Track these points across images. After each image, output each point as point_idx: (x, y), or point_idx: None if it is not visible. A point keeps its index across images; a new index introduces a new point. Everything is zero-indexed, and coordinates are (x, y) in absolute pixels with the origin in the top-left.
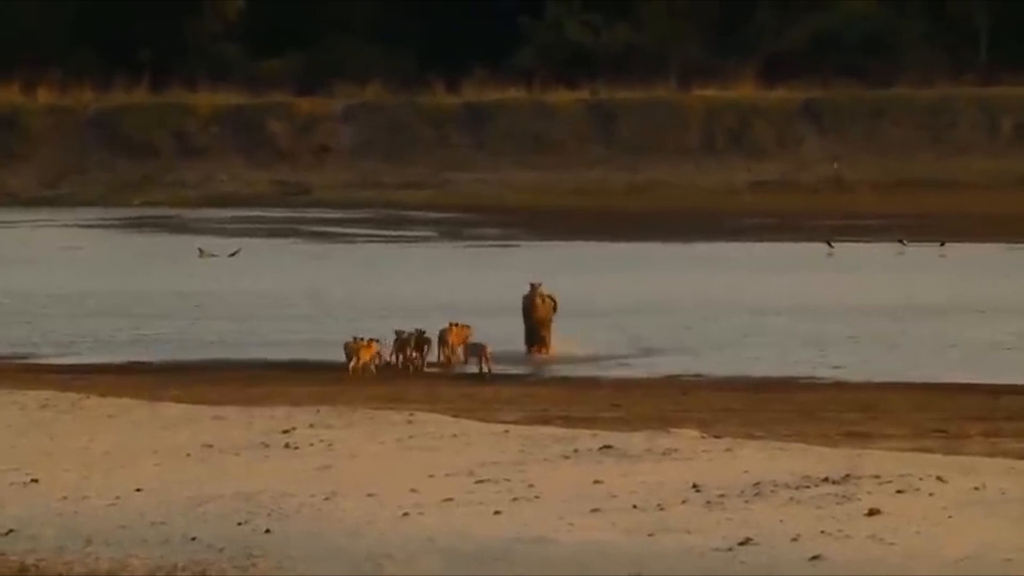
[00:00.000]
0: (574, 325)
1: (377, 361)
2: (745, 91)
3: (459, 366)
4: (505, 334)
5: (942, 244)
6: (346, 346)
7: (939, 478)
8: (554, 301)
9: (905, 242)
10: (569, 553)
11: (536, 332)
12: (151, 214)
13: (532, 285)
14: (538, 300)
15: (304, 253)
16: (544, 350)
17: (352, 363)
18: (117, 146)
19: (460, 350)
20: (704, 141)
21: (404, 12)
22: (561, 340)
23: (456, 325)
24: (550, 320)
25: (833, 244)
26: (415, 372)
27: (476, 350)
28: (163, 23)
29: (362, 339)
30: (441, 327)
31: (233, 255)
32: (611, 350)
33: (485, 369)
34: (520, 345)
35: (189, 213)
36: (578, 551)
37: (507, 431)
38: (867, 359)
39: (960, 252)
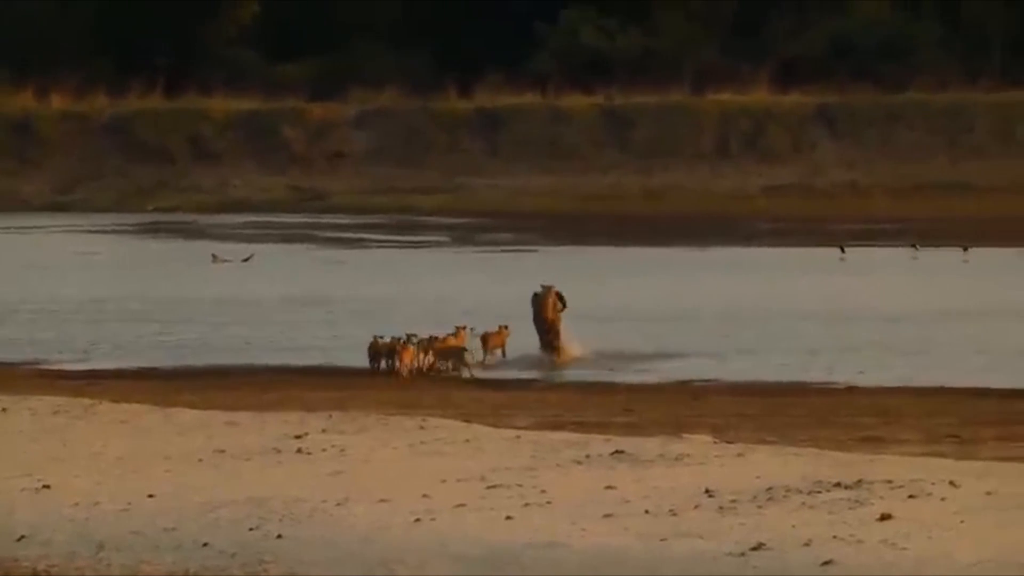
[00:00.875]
0: (588, 329)
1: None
2: (760, 96)
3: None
4: (519, 338)
5: (965, 249)
6: (372, 346)
7: (952, 483)
8: (562, 301)
9: (918, 247)
10: (581, 558)
11: (545, 336)
12: (165, 220)
13: (544, 287)
14: (550, 302)
15: (318, 259)
16: (556, 355)
17: (398, 365)
18: (131, 152)
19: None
20: (719, 146)
21: (418, 17)
22: (574, 344)
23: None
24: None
25: (845, 249)
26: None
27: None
28: (178, 28)
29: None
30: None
31: (247, 260)
32: (624, 355)
33: (467, 373)
34: (533, 350)
35: (203, 219)
36: (590, 556)
37: (519, 436)
38: (880, 364)
39: (975, 256)
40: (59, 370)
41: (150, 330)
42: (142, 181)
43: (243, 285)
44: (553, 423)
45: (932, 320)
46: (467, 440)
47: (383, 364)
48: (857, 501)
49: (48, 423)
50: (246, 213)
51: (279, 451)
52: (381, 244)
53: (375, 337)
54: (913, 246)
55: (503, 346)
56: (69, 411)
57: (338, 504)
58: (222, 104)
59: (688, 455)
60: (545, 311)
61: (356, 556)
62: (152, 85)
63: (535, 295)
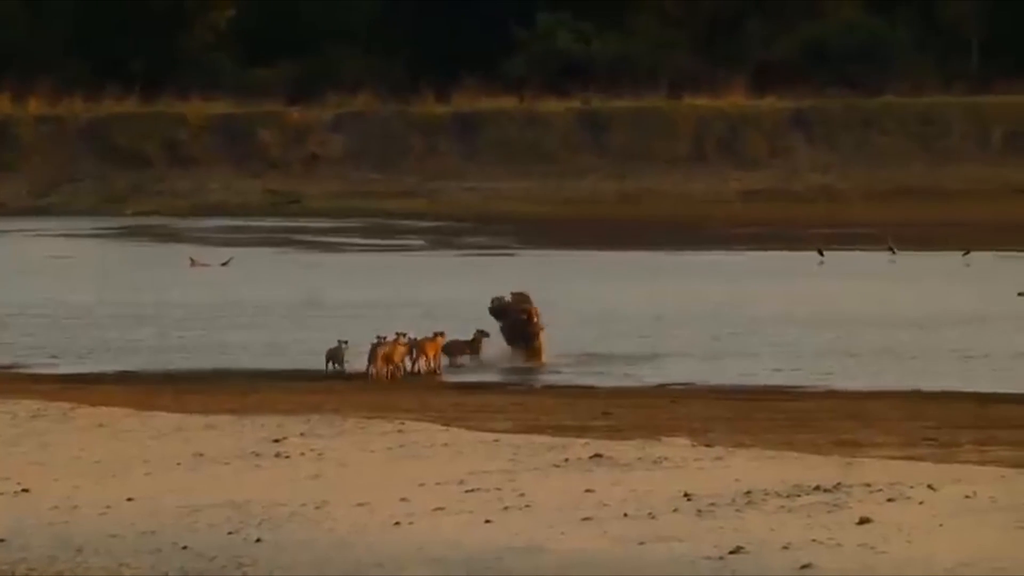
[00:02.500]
0: (565, 333)
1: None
2: (736, 100)
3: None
4: (496, 341)
5: (966, 253)
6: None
7: (930, 486)
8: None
9: (895, 250)
10: (560, 561)
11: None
12: (142, 223)
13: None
14: (533, 309)
15: (295, 262)
16: (537, 359)
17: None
18: (108, 156)
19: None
20: (695, 150)
21: (394, 21)
22: (552, 349)
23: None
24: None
25: (824, 253)
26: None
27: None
28: (154, 33)
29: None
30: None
31: (225, 264)
32: (602, 359)
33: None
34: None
35: (180, 222)
36: (569, 560)
37: (498, 440)
38: (858, 368)
39: (950, 260)
40: (37, 374)
41: (128, 334)
42: (119, 185)
43: (221, 289)
44: (532, 427)
45: (910, 323)
46: (445, 444)
47: (330, 367)
48: (835, 505)
49: (26, 427)
50: (223, 217)
51: (258, 455)
52: (358, 248)
53: (339, 341)
54: (890, 250)
55: (437, 354)
56: (47, 415)
57: (317, 508)
58: (199, 108)
59: (666, 459)
60: (532, 317)
61: (335, 560)
62: (129, 90)
63: (499, 303)
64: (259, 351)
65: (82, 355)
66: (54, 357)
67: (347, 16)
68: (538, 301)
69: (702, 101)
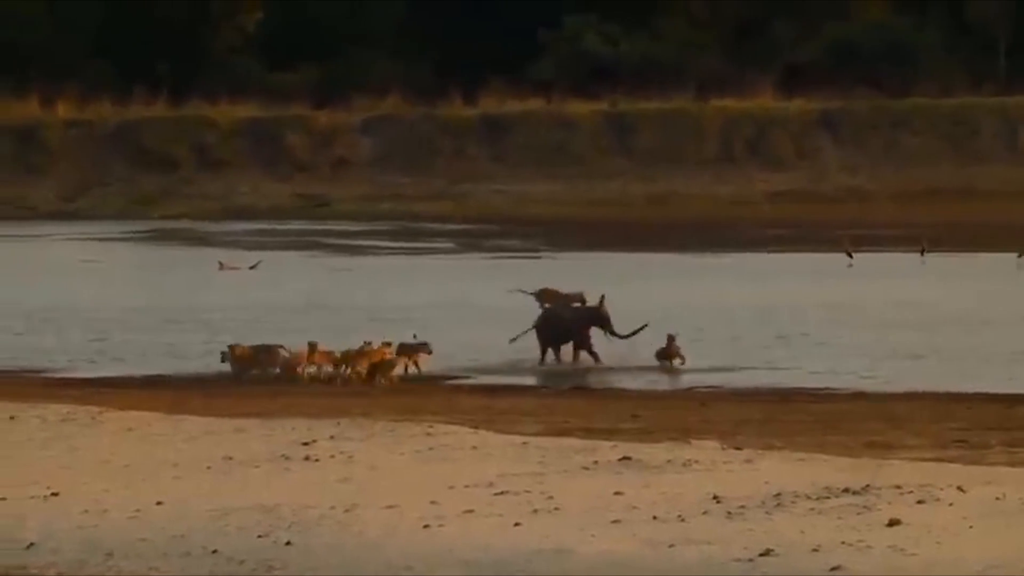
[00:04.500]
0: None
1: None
2: (763, 102)
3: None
4: (522, 345)
5: (1020, 255)
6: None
7: (960, 488)
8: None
9: (926, 251)
10: (589, 565)
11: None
12: (171, 227)
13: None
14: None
15: (324, 265)
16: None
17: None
18: (136, 159)
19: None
20: (722, 152)
21: (422, 24)
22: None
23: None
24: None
25: (852, 254)
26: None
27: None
28: (182, 36)
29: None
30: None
31: (253, 268)
32: (631, 361)
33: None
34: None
35: (209, 226)
36: (598, 563)
37: (526, 443)
38: (887, 369)
39: (980, 261)
40: (66, 378)
41: (157, 338)
42: (147, 189)
43: (250, 292)
44: (561, 429)
45: (939, 325)
46: (474, 446)
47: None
48: (865, 507)
49: (56, 431)
50: (251, 220)
51: (287, 458)
52: (386, 251)
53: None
54: (921, 251)
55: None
56: (76, 419)
57: (346, 511)
58: (227, 112)
59: (696, 461)
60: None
61: (364, 562)
62: (156, 93)
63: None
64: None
65: (111, 359)
66: (83, 361)
67: (374, 19)
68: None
69: (729, 103)
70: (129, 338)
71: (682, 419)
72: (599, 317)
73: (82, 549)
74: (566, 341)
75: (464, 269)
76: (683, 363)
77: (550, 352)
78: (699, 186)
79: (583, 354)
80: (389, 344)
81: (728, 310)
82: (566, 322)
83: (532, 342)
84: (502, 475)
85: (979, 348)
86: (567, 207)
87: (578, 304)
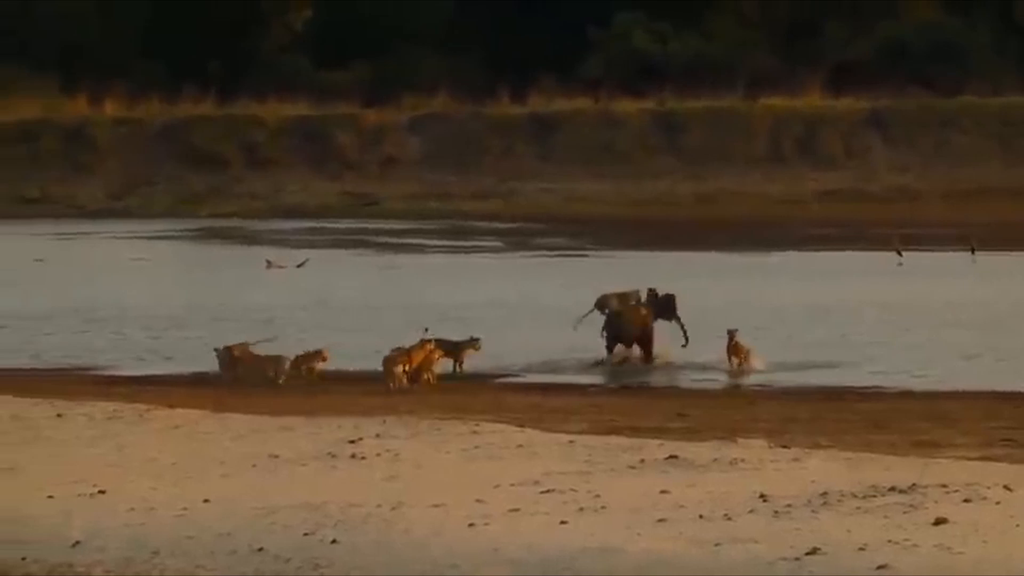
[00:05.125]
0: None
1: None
2: (812, 100)
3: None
4: (569, 343)
5: None
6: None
7: (1006, 487)
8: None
9: (976, 251)
10: (635, 563)
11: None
12: (219, 225)
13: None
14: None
15: (372, 264)
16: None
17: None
18: (185, 158)
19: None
20: (771, 150)
21: (471, 22)
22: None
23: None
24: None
25: (903, 253)
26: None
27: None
28: (230, 34)
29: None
30: None
31: (301, 266)
32: (678, 360)
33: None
34: (588, 353)
35: (257, 224)
36: (644, 561)
37: (573, 441)
38: (934, 368)
39: None
40: (113, 376)
41: (204, 336)
42: (196, 187)
43: (298, 291)
44: (607, 428)
45: (988, 324)
46: (520, 445)
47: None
48: (912, 505)
49: (103, 429)
50: (300, 219)
51: (334, 456)
52: (434, 249)
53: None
54: (971, 250)
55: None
56: (123, 417)
57: (393, 509)
58: (275, 110)
59: (742, 460)
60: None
61: (410, 561)
62: (205, 91)
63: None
64: (335, 352)
65: (158, 357)
66: (130, 359)
67: (422, 17)
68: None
69: (778, 101)
70: (176, 336)
71: (729, 418)
72: (666, 308)
73: (128, 547)
74: (633, 339)
75: (512, 268)
76: (742, 364)
77: (618, 349)
78: (748, 185)
79: (637, 351)
80: (429, 342)
81: (777, 309)
82: (631, 320)
83: (584, 341)
84: (548, 473)
85: None
86: (615, 206)
87: (633, 302)
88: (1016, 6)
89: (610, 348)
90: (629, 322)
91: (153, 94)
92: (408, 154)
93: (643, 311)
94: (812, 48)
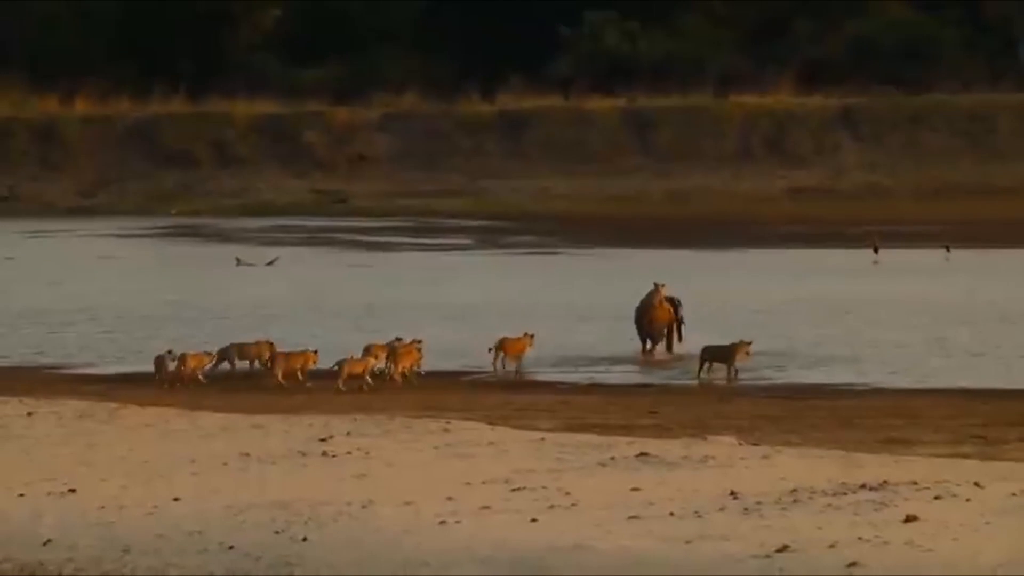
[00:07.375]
0: (611, 331)
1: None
2: (782, 98)
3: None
4: (552, 338)
5: None
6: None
7: (977, 484)
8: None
9: (950, 248)
10: (606, 561)
11: (655, 335)
12: (188, 223)
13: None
14: (657, 303)
15: (342, 262)
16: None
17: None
18: (155, 156)
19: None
20: (741, 148)
21: (440, 21)
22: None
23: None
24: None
25: (879, 250)
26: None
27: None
28: (200, 33)
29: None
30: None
31: (271, 264)
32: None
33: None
34: (557, 351)
35: (226, 222)
36: (615, 559)
37: (543, 439)
38: (904, 365)
39: (1000, 258)
40: (84, 374)
41: (174, 334)
42: (166, 185)
43: (267, 289)
44: (577, 425)
45: (957, 321)
46: (491, 443)
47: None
48: (882, 503)
49: (73, 427)
50: (269, 217)
51: (304, 454)
52: (404, 247)
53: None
54: (945, 248)
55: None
56: (94, 415)
57: (363, 507)
58: (245, 108)
59: (713, 457)
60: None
61: (381, 558)
62: (175, 90)
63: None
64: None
65: (129, 355)
66: (101, 357)
67: (392, 16)
68: (584, 301)
69: (749, 99)
70: (146, 334)
71: (699, 415)
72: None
73: (99, 545)
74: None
75: (482, 265)
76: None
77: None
78: (718, 183)
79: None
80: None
81: (748, 307)
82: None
83: (549, 340)
84: (519, 471)
85: (996, 344)
86: (585, 203)
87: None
88: (984, 4)
89: (645, 340)
90: (659, 318)
91: (123, 92)
92: (378, 152)
93: (668, 307)
94: (782, 46)
